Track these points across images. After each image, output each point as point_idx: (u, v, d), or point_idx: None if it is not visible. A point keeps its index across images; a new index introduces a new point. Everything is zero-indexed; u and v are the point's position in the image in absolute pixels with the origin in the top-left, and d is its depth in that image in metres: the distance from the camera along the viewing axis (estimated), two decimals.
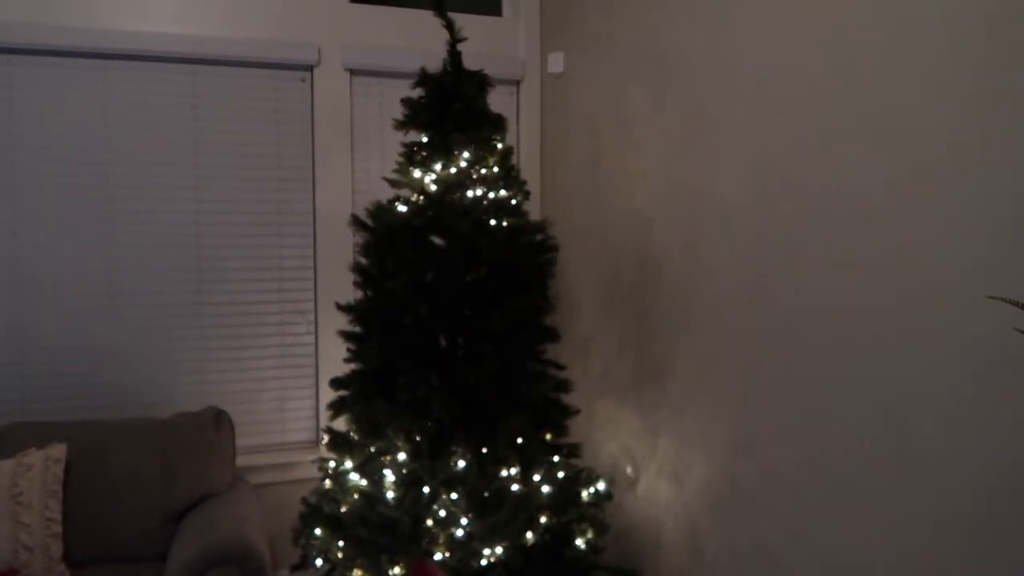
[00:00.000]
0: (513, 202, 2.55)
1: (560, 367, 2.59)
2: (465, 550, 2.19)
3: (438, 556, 2.19)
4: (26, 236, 2.84)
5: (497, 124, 2.58)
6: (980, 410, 1.56)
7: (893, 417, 1.74)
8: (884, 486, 1.78)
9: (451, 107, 2.52)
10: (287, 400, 3.19)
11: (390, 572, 2.19)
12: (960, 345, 1.60)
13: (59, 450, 2.51)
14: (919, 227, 1.68)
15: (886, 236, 1.76)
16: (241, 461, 3.03)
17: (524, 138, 3.49)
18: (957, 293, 1.60)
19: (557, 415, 2.49)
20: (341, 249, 3.22)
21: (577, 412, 2.56)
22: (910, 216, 1.71)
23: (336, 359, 3.17)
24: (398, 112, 2.62)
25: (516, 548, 2.28)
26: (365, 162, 3.27)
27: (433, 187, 2.51)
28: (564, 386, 2.53)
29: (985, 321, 1.55)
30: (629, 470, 2.90)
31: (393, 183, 2.61)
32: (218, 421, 2.76)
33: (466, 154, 2.50)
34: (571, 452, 2.56)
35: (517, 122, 3.49)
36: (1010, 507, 1.50)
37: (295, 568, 2.53)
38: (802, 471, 2.02)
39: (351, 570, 2.26)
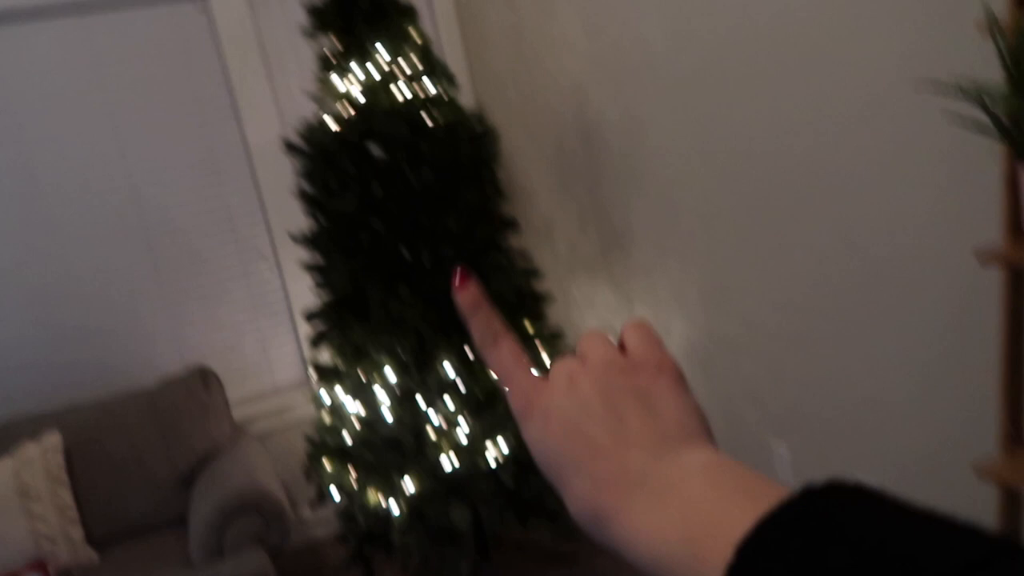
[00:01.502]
0: (444, 96, 2.44)
1: (526, 256, 2.56)
2: (470, 452, 2.23)
3: (445, 460, 2.23)
4: None
5: (409, 14, 2.43)
6: (936, 212, 1.54)
7: (854, 245, 1.73)
8: (855, 313, 1.79)
9: (357, 4, 2.36)
10: (267, 343, 3.15)
11: (404, 488, 2.24)
12: (910, 151, 1.56)
13: (54, 438, 2.50)
14: (852, 26, 1.61)
15: (819, 48, 1.69)
16: (237, 414, 3.02)
17: (441, 25, 3.30)
18: (905, 99, 1.55)
19: (533, 303, 2.48)
20: (283, 178, 3.09)
21: (552, 299, 2.55)
22: (840, 15, 1.63)
23: (305, 293, 3.12)
24: (306, 22, 2.47)
25: (519, 441, 2.32)
26: (285, 84, 3.09)
27: (360, 97, 2.39)
28: (533, 272, 2.51)
29: (931, 120, 1.50)
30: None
31: (317, 99, 2.48)
32: (205, 379, 2.75)
33: (383, 50, 2.37)
34: (554, 338, 2.57)
35: (432, 10, 3.28)
36: (976, 319, 1.51)
37: (314, 504, 2.58)
38: (777, 311, 2.04)
39: (366, 494, 2.31)
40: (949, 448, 1.67)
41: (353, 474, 2.32)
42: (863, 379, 1.84)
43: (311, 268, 2.46)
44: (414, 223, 2.38)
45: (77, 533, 2.43)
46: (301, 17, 3.02)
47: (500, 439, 2.26)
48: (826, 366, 1.93)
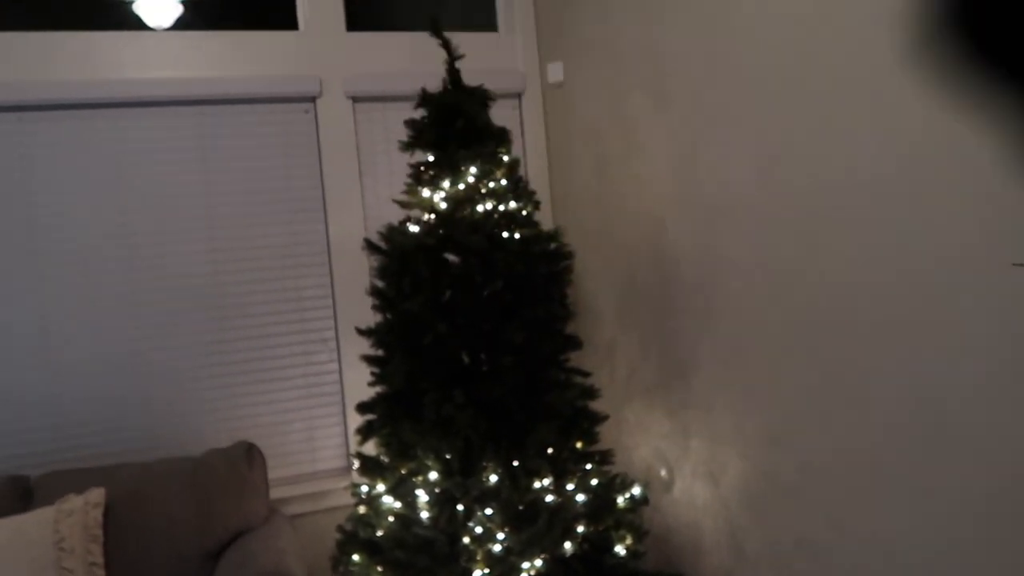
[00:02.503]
0: (524, 213, 2.56)
1: (585, 374, 2.58)
2: (503, 565, 2.17)
3: (477, 573, 2.17)
4: (51, 291, 2.88)
5: (501, 137, 2.59)
6: (1012, 384, 1.53)
7: (925, 398, 1.71)
8: (921, 469, 1.74)
9: (454, 124, 2.53)
10: (315, 429, 3.20)
11: None
12: (987, 319, 1.57)
13: (98, 494, 2.53)
14: (937, 202, 1.66)
15: (904, 213, 1.74)
16: (274, 494, 3.05)
17: (530, 149, 3.50)
18: (981, 266, 1.58)
19: (586, 422, 2.48)
20: (357, 275, 3.24)
21: (606, 418, 2.55)
22: (926, 191, 1.68)
23: (360, 385, 3.18)
24: (403, 135, 2.64)
25: (555, 559, 2.26)
26: (374, 187, 3.29)
27: (443, 205, 2.52)
28: (590, 393, 2.51)
29: (1011, 291, 1.52)
30: (663, 473, 2.88)
31: (403, 205, 2.62)
32: (249, 455, 2.78)
33: (473, 169, 2.51)
34: (603, 459, 2.54)
35: (522, 134, 3.50)
36: None
37: None
38: (838, 459, 1.99)
39: None
40: None
41: (380, 571, 2.27)
42: (930, 544, 1.76)
43: (370, 359, 2.52)
44: (478, 330, 2.44)
45: None
46: (399, 130, 3.26)
47: (538, 558, 2.20)
48: (891, 531, 1.86)
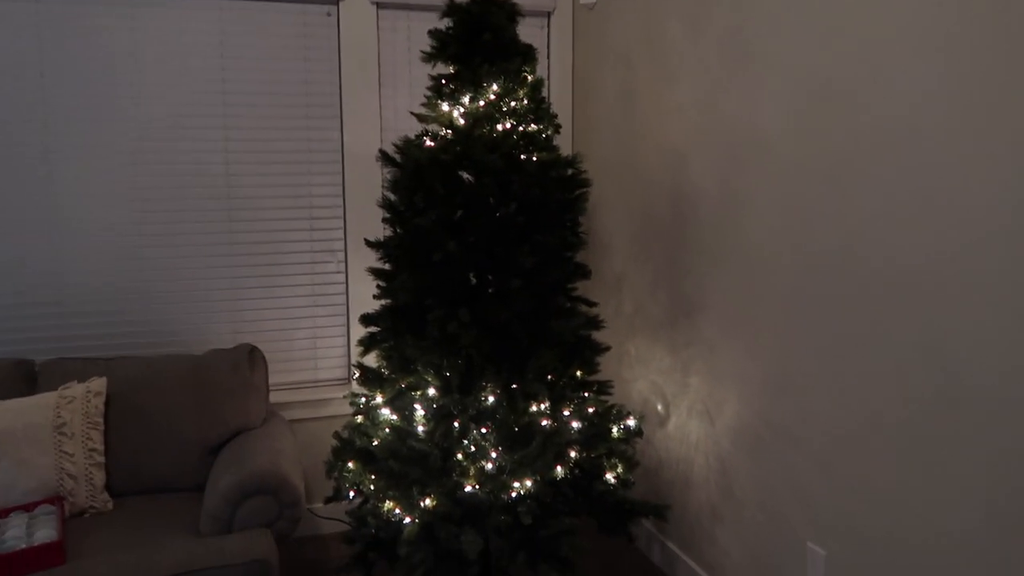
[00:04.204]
0: (544, 136, 2.50)
1: (591, 304, 2.56)
2: (494, 483, 2.20)
3: (468, 488, 2.21)
4: (59, 177, 2.86)
5: (527, 55, 2.51)
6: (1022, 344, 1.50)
7: (937, 355, 1.69)
8: (923, 423, 1.74)
9: (480, 38, 2.45)
10: (319, 338, 3.22)
11: (421, 504, 2.22)
12: (1012, 281, 1.53)
13: (100, 383, 2.57)
14: (973, 156, 1.60)
15: (938, 167, 1.69)
16: (275, 398, 3.09)
17: (555, 71, 3.40)
18: (1010, 228, 1.53)
19: (588, 352, 2.47)
20: (370, 187, 3.20)
21: (608, 349, 2.54)
22: (965, 144, 1.62)
23: (366, 297, 3.19)
24: (426, 46, 2.56)
25: (545, 481, 2.29)
26: (393, 99, 3.22)
27: (462, 121, 2.46)
28: (595, 323, 2.50)
29: None
30: (660, 408, 2.89)
31: (421, 118, 2.56)
32: (251, 358, 2.80)
33: (495, 86, 2.44)
34: (601, 389, 2.55)
35: (548, 55, 3.40)
36: None
37: (329, 500, 2.57)
38: (838, 407, 1.99)
39: (383, 501, 2.29)
40: None
41: (374, 479, 2.31)
42: (924, 500, 1.77)
43: (377, 273, 2.51)
44: (488, 251, 2.42)
45: (99, 478, 2.46)
46: (422, 41, 3.17)
47: (528, 479, 2.23)
48: (884, 479, 1.87)
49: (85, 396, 2.52)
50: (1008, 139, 1.52)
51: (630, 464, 2.53)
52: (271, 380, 3.17)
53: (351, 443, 2.45)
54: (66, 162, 2.86)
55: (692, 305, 2.63)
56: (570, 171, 2.47)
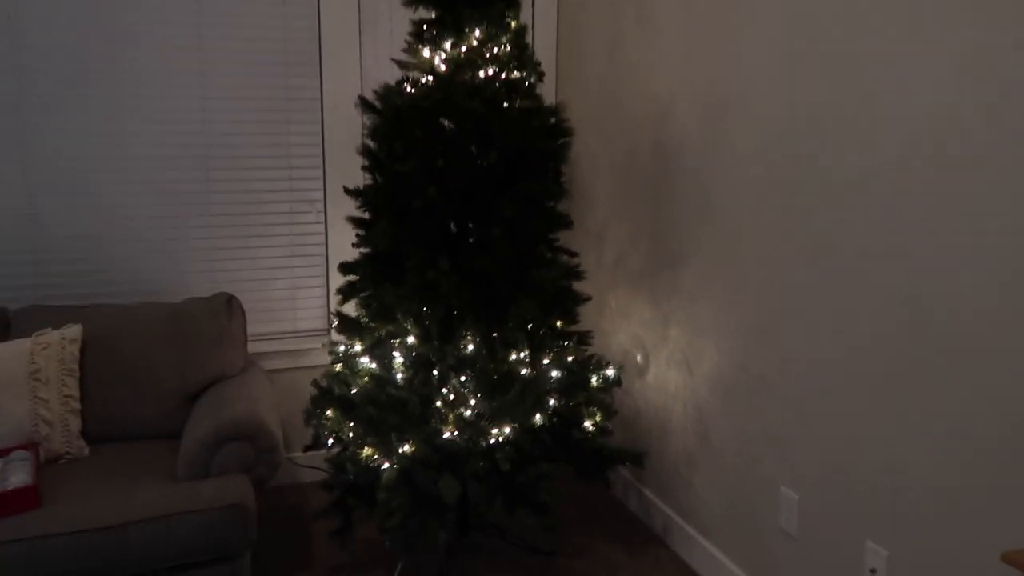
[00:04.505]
0: (527, 84, 2.46)
1: (572, 254, 2.55)
2: (473, 429, 2.21)
3: (447, 435, 2.22)
4: (34, 124, 2.78)
5: (511, 1, 2.46)
6: (1008, 302, 1.51)
7: (917, 305, 1.70)
8: (897, 370, 1.75)
9: None
10: (298, 288, 3.19)
11: (400, 450, 2.23)
12: (985, 222, 1.53)
13: (75, 330, 2.53)
14: (955, 103, 1.59)
15: (919, 118, 1.68)
16: (254, 348, 3.07)
17: (539, 17, 3.35)
18: (985, 169, 1.53)
19: (568, 302, 2.47)
20: (349, 136, 3.15)
21: (588, 299, 2.54)
22: (948, 91, 1.61)
23: (346, 247, 3.16)
24: None
25: (524, 429, 2.30)
26: (373, 47, 3.15)
27: (443, 67, 2.42)
28: (576, 273, 2.50)
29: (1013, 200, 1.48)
30: (639, 358, 2.91)
31: (402, 65, 2.51)
32: (229, 306, 2.77)
33: (477, 32, 2.39)
34: (581, 339, 2.56)
35: (532, 2, 3.33)
36: None
37: (308, 448, 2.58)
38: (816, 357, 2.00)
39: (361, 448, 2.30)
40: (973, 541, 1.62)
41: (352, 426, 2.31)
42: (897, 446, 1.80)
43: (356, 221, 2.48)
44: (469, 199, 2.40)
45: (75, 424, 2.45)
46: None
47: (507, 426, 2.24)
48: (857, 425, 1.89)
49: (60, 343, 2.49)
50: (982, 77, 1.51)
51: (608, 412, 2.55)
52: (250, 330, 3.14)
53: (330, 391, 2.44)
54: (39, 111, 2.78)
55: (674, 256, 2.62)
56: (553, 120, 2.44)
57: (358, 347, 2.47)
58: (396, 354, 2.37)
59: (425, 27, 2.46)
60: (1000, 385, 1.52)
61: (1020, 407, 1.48)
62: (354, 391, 2.39)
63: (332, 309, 3.20)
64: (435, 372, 2.32)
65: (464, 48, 2.40)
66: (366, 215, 2.48)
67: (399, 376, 2.34)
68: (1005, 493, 1.51)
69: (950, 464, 1.63)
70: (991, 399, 1.54)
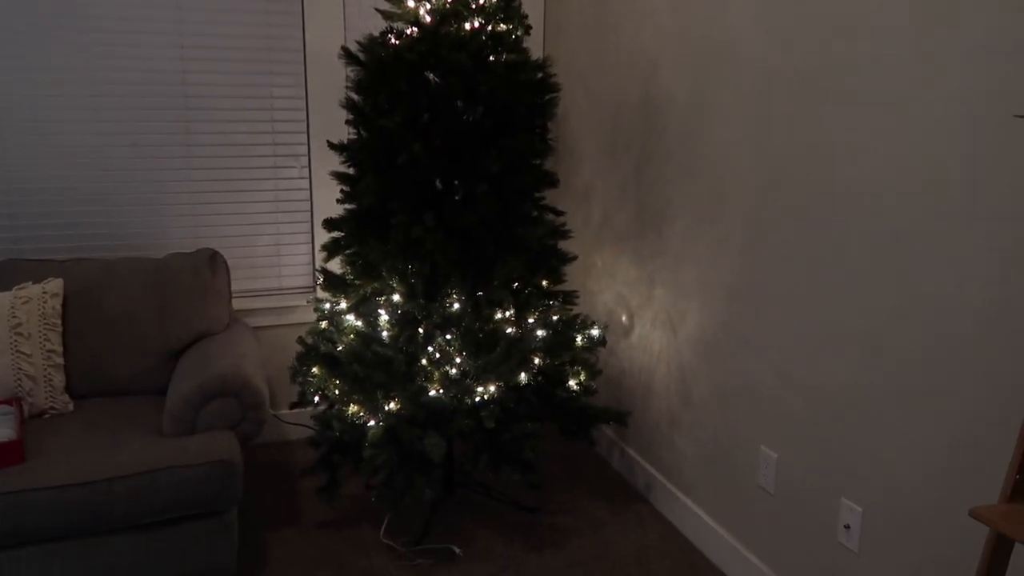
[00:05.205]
0: (513, 37, 2.41)
1: (558, 213, 2.54)
2: (458, 387, 2.22)
3: (432, 393, 2.22)
4: (7, 78, 2.70)
5: None
6: (981, 250, 1.51)
7: (896, 260, 1.71)
8: (877, 330, 1.76)
9: None
10: (282, 245, 3.16)
11: (385, 407, 2.24)
12: (966, 188, 1.53)
13: (56, 284, 2.51)
14: (937, 69, 1.57)
15: (903, 80, 1.65)
16: (238, 305, 3.05)
17: None
18: (964, 137, 1.52)
19: (554, 261, 2.47)
20: (333, 89, 3.09)
21: (574, 259, 2.54)
22: (930, 64, 1.59)
23: (330, 203, 3.12)
24: None
25: (509, 387, 2.31)
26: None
27: (428, 18, 2.36)
28: (561, 232, 2.49)
29: (1000, 153, 1.47)
30: (624, 318, 2.92)
31: (386, 15, 2.45)
32: (212, 261, 2.75)
33: None
34: (567, 299, 2.56)
35: None
36: (1005, 341, 1.48)
37: (294, 406, 2.58)
38: (798, 314, 2.01)
39: (347, 405, 2.30)
40: (944, 496, 1.65)
41: (338, 383, 2.31)
42: (876, 406, 1.82)
43: (341, 176, 2.45)
44: (455, 155, 2.36)
45: (59, 379, 2.44)
46: None
47: (492, 384, 2.25)
48: (836, 384, 1.91)
49: (41, 297, 2.47)
50: (963, 49, 1.49)
51: (593, 372, 2.57)
52: (234, 287, 3.12)
53: (315, 348, 2.44)
54: (15, 62, 2.71)
55: (660, 216, 2.61)
56: (539, 75, 2.40)
57: (343, 304, 2.47)
58: (381, 311, 2.37)
59: None
60: (982, 349, 1.53)
61: (995, 367, 1.50)
62: (339, 348, 2.39)
63: (317, 266, 3.18)
64: (420, 330, 2.31)
65: None
66: (351, 170, 2.45)
67: (384, 334, 2.34)
68: (975, 452, 1.54)
69: (923, 424, 1.66)
70: (965, 359, 1.55)
